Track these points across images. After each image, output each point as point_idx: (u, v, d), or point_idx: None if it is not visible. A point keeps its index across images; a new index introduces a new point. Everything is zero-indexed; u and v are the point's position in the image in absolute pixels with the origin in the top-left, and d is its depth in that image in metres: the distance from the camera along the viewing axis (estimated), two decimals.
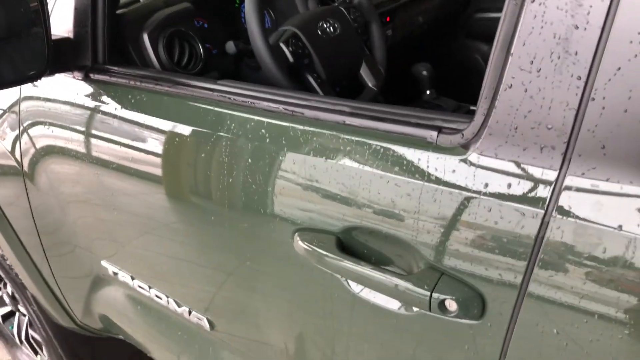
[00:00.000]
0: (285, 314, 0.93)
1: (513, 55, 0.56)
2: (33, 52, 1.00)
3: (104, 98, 1.04)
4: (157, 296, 1.19)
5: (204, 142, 0.88)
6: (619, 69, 0.50)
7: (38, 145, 1.19)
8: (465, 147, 0.62)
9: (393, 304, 0.74)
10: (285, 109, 0.79)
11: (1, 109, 1.28)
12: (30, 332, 1.98)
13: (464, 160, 0.62)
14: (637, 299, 0.52)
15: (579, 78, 0.52)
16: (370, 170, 0.69)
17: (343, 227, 0.75)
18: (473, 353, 0.68)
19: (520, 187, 0.58)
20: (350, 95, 1.38)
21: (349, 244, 0.77)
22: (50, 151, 1.17)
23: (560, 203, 0.55)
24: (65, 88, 1.11)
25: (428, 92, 1.65)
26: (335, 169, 0.72)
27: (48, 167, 1.20)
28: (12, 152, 1.27)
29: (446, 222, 0.64)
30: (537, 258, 0.57)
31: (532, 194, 0.57)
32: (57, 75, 1.11)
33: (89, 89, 1.07)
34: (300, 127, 0.77)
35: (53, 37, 1.02)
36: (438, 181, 0.63)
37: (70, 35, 1.08)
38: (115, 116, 1.01)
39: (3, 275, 1.77)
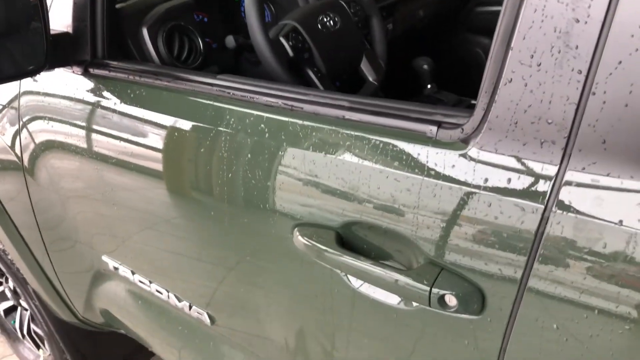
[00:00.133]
0: (285, 308, 0.93)
1: (513, 49, 0.55)
2: (32, 47, 1.00)
3: (104, 93, 1.04)
4: (157, 291, 1.20)
5: (203, 137, 0.88)
6: (620, 62, 0.49)
7: (38, 140, 1.19)
8: (465, 141, 0.61)
9: (393, 299, 0.74)
10: (284, 104, 0.78)
11: (1, 104, 1.27)
12: (32, 326, 1.99)
13: (464, 155, 0.61)
14: (637, 295, 0.52)
15: (580, 72, 0.52)
16: (370, 165, 0.69)
17: (343, 222, 0.74)
18: (473, 348, 0.68)
19: (520, 182, 0.57)
20: (350, 90, 1.38)
21: (349, 239, 0.76)
22: (50, 146, 1.17)
23: (560, 198, 0.55)
24: (65, 83, 1.10)
25: (429, 86, 1.64)
26: (335, 163, 0.72)
27: (48, 162, 1.20)
28: (12, 147, 1.27)
29: (446, 217, 0.63)
30: (537, 253, 0.57)
31: (532, 188, 0.57)
32: (56, 70, 1.10)
33: (88, 83, 1.07)
34: (300, 121, 0.77)
35: (52, 32, 1.01)
36: (438, 176, 0.63)
37: (69, 29, 1.07)
38: (114, 111, 1.01)
39: (5, 270, 1.77)
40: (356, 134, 0.71)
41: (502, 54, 0.56)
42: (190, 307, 1.14)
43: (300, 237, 0.78)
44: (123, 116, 0.99)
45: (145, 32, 1.17)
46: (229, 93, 0.85)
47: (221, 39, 1.32)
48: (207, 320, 1.12)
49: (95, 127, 1.05)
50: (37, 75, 1.10)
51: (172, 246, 1.07)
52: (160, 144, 0.95)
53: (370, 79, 1.45)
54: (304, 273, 0.84)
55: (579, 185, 0.54)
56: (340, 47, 1.34)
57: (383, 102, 0.72)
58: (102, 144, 1.04)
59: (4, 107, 1.26)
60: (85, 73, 1.07)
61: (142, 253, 1.16)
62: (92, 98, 1.05)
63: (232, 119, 0.84)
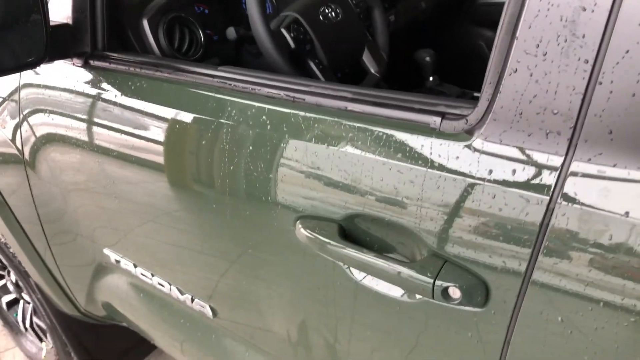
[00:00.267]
0: (288, 301, 0.93)
1: (518, 38, 0.55)
2: (32, 39, 0.99)
3: (104, 85, 1.03)
4: (159, 284, 1.20)
5: (204, 129, 0.87)
6: (628, 52, 0.49)
7: (38, 133, 1.18)
8: (470, 133, 0.61)
9: (396, 292, 0.74)
10: (286, 95, 0.78)
11: (1, 97, 1.27)
12: (35, 319, 1.99)
13: (468, 147, 0.61)
14: None
15: (586, 61, 0.51)
16: (373, 157, 0.68)
17: (345, 214, 0.74)
18: (476, 341, 0.68)
19: (525, 174, 0.57)
20: (352, 82, 1.37)
21: (351, 232, 0.76)
22: (50, 139, 1.16)
23: (565, 190, 0.54)
24: (65, 75, 1.10)
25: (431, 78, 1.63)
26: (337, 155, 0.72)
27: (49, 155, 1.19)
28: (13, 140, 1.27)
29: (450, 209, 0.63)
30: (542, 245, 0.57)
31: (537, 180, 0.56)
32: (56, 62, 1.10)
33: (88, 75, 1.06)
34: (302, 113, 0.76)
35: (51, 24, 1.01)
36: (441, 168, 0.63)
37: (69, 21, 1.07)
38: (115, 103, 1.00)
39: (7, 263, 1.77)
40: (359, 125, 0.70)
41: (507, 44, 0.56)
42: (192, 300, 1.14)
43: (302, 230, 0.78)
44: (124, 108, 0.99)
45: (145, 23, 1.16)
46: (230, 85, 0.84)
47: (222, 31, 1.31)
48: (210, 313, 1.12)
49: (95, 119, 1.04)
50: (37, 67, 1.09)
51: (174, 239, 1.06)
52: (161, 136, 0.94)
53: (372, 70, 1.44)
54: (306, 265, 0.83)
55: (584, 176, 0.53)
56: (342, 39, 1.33)
57: (386, 93, 0.71)
58: (103, 136, 1.04)
59: (5, 99, 1.26)
60: (86, 65, 1.06)
61: (144, 246, 1.16)
62: (92, 90, 1.04)
63: (234, 111, 0.83)
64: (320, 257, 0.79)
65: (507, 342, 0.65)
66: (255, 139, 0.81)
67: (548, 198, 0.55)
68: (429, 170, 0.63)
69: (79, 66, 1.07)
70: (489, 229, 0.60)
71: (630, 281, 0.52)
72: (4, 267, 1.96)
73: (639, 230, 0.50)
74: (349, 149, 0.71)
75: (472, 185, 0.60)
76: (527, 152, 0.57)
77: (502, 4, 0.56)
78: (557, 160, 0.55)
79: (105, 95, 1.02)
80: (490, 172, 0.59)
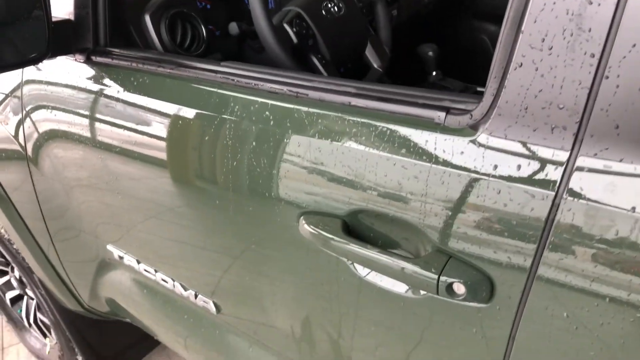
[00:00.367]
0: (291, 297, 0.93)
1: (524, 32, 0.54)
2: (34, 35, 0.99)
3: (106, 81, 1.03)
4: (163, 280, 1.20)
5: (207, 124, 0.87)
6: (634, 45, 0.48)
7: (41, 130, 1.18)
8: (474, 128, 0.60)
9: (400, 288, 0.74)
10: (289, 91, 0.77)
11: (3, 93, 1.27)
12: (39, 315, 2.00)
13: (473, 142, 0.60)
14: None
15: (593, 56, 0.51)
16: (377, 153, 0.68)
17: (349, 210, 0.74)
18: (481, 336, 0.67)
19: (530, 169, 0.56)
20: (355, 77, 1.37)
21: (355, 227, 0.76)
22: (53, 135, 1.16)
23: (571, 185, 0.54)
24: (67, 71, 1.09)
25: (434, 73, 1.62)
26: (341, 151, 0.71)
27: (52, 152, 1.19)
28: (16, 136, 1.27)
29: (454, 204, 0.62)
30: (547, 241, 0.56)
31: (543, 175, 0.56)
32: (58, 58, 1.10)
33: (90, 71, 1.06)
34: (305, 108, 0.76)
35: (53, 20, 1.00)
36: (446, 163, 0.62)
37: (71, 17, 1.06)
38: (117, 99, 1.00)
39: (10, 260, 1.78)
40: (362, 120, 0.70)
41: (512, 38, 0.55)
42: (195, 296, 1.14)
43: (306, 226, 0.78)
44: (126, 104, 0.98)
45: (147, 19, 1.16)
46: (233, 80, 0.84)
47: (224, 26, 1.31)
48: (213, 309, 1.12)
49: (98, 115, 1.04)
50: (40, 63, 1.09)
51: (177, 235, 1.06)
52: (164, 132, 0.94)
53: (375, 65, 1.43)
54: (309, 261, 0.83)
55: (590, 171, 0.53)
56: (344, 34, 1.33)
57: (390, 88, 0.70)
58: (106, 132, 1.04)
59: (7, 96, 1.25)
60: (88, 61, 1.06)
61: (147, 242, 1.16)
62: (95, 86, 1.04)
63: (237, 107, 0.83)
64: (324, 253, 0.78)
65: (512, 338, 0.64)
66: (259, 134, 0.80)
67: (554, 193, 0.55)
68: (434, 165, 0.63)
69: (81, 62, 1.07)
70: (494, 225, 0.60)
71: (636, 277, 0.52)
72: (8, 264, 1.96)
73: None
74: (353, 144, 0.70)
75: (476, 181, 0.60)
76: (533, 147, 0.56)
77: None
78: (562, 155, 0.54)
79: (107, 91, 1.02)
80: (495, 167, 0.59)
